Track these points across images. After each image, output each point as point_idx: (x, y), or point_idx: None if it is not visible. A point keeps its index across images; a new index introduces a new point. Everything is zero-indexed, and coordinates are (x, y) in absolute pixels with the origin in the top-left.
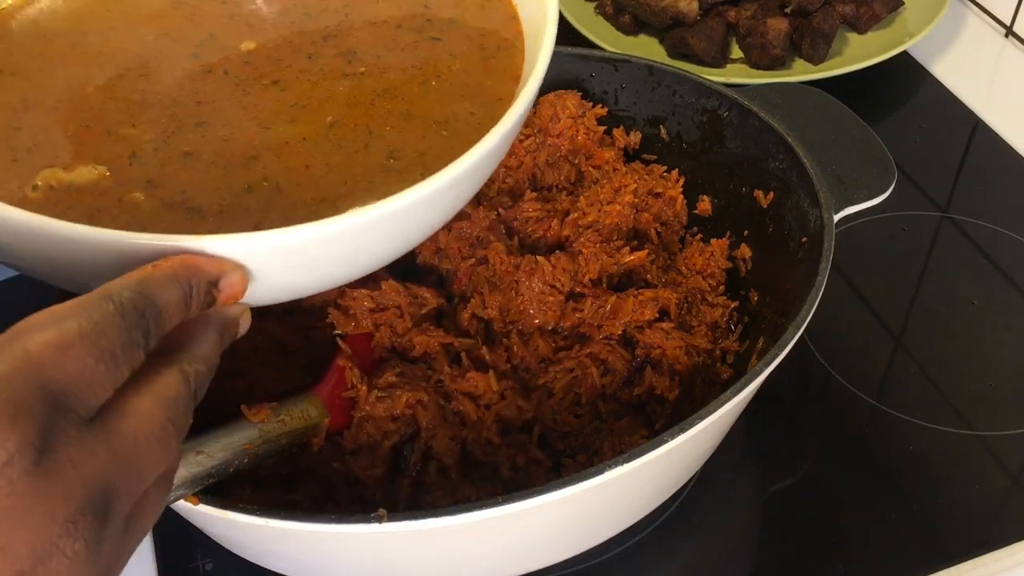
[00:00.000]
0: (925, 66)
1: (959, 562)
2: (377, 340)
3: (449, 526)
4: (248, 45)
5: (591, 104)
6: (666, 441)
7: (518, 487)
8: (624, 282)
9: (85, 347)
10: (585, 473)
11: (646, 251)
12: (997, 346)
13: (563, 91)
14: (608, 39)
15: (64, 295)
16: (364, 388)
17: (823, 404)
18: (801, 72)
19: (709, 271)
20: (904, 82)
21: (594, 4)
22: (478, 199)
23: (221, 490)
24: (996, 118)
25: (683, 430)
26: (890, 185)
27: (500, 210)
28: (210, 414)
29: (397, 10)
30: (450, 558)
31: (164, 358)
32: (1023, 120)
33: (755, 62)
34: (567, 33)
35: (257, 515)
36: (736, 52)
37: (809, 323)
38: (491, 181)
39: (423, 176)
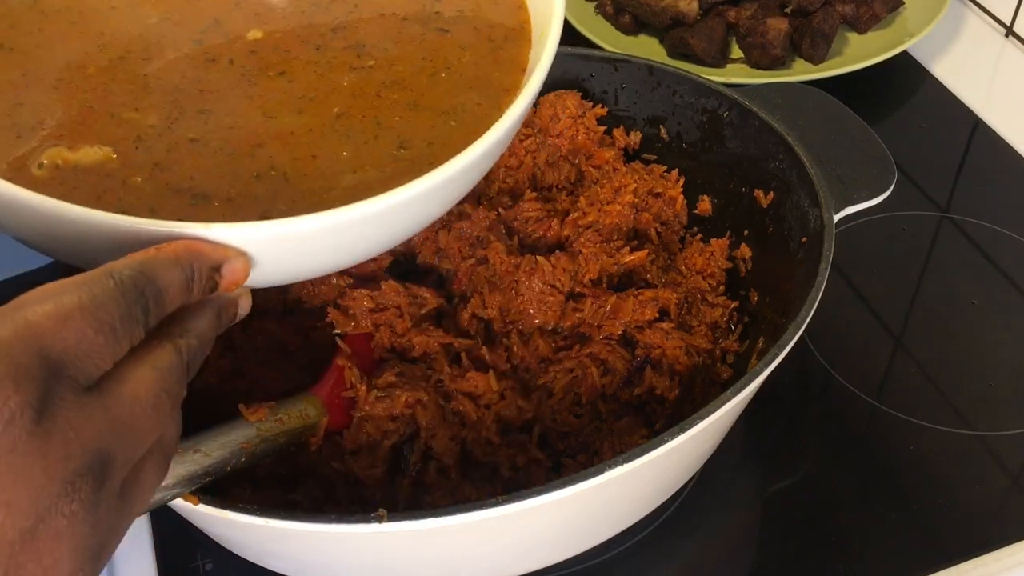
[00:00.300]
0: (925, 66)
1: (959, 562)
2: (377, 340)
3: (449, 526)
4: (255, 34)
5: (591, 104)
6: (666, 441)
7: (518, 487)
8: (624, 282)
9: (84, 319)
10: (585, 473)
11: (646, 251)
12: (997, 346)
13: (563, 91)
14: (608, 39)
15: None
16: (364, 388)
17: (823, 404)
18: (801, 72)
19: (709, 271)
20: (904, 82)
21: (594, 4)
22: (478, 199)
23: (221, 490)
24: (996, 118)
25: (683, 430)
26: (890, 185)
27: (500, 210)
28: (211, 414)
29: (406, 2)
30: (450, 558)
31: (160, 332)
32: (1023, 120)
33: (755, 62)
34: (567, 33)
35: (257, 515)
36: (736, 52)
37: (809, 323)
38: (491, 181)
39: (432, 166)
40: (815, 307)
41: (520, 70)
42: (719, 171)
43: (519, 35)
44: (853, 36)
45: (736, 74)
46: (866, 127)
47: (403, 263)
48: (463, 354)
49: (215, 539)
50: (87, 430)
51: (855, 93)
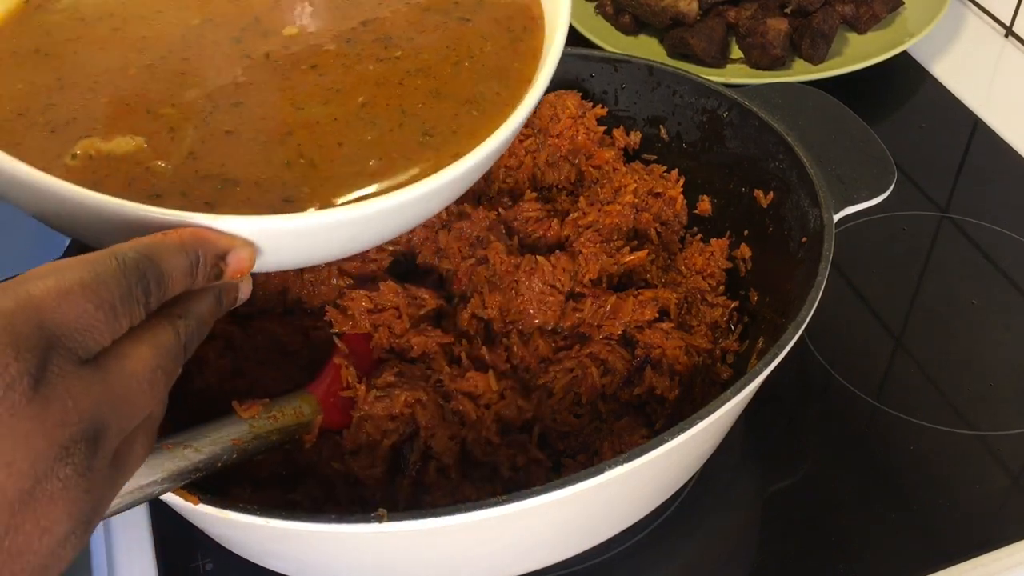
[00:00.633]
0: (925, 66)
1: (959, 562)
2: (376, 341)
3: (449, 526)
4: (291, 30)
5: (591, 104)
6: (666, 441)
7: (518, 487)
8: (624, 282)
9: (85, 295)
10: (585, 473)
11: (646, 251)
12: (997, 346)
13: (563, 91)
14: (608, 39)
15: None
16: (363, 388)
17: (823, 404)
18: (801, 72)
19: (709, 271)
20: (904, 82)
21: (594, 4)
22: (478, 199)
23: (221, 490)
24: (996, 118)
25: (683, 430)
26: (890, 185)
27: (500, 210)
28: (210, 414)
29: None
30: (450, 558)
31: (160, 311)
32: (1023, 120)
33: (755, 62)
34: (567, 33)
35: (257, 515)
36: (736, 52)
37: (809, 323)
38: (491, 181)
39: (458, 155)
40: (815, 307)
41: (536, 59)
42: (719, 171)
43: (536, 27)
44: (853, 36)
45: (736, 74)
46: (866, 127)
47: (403, 263)
48: (463, 354)
49: (215, 539)
50: (84, 399)
51: (855, 93)
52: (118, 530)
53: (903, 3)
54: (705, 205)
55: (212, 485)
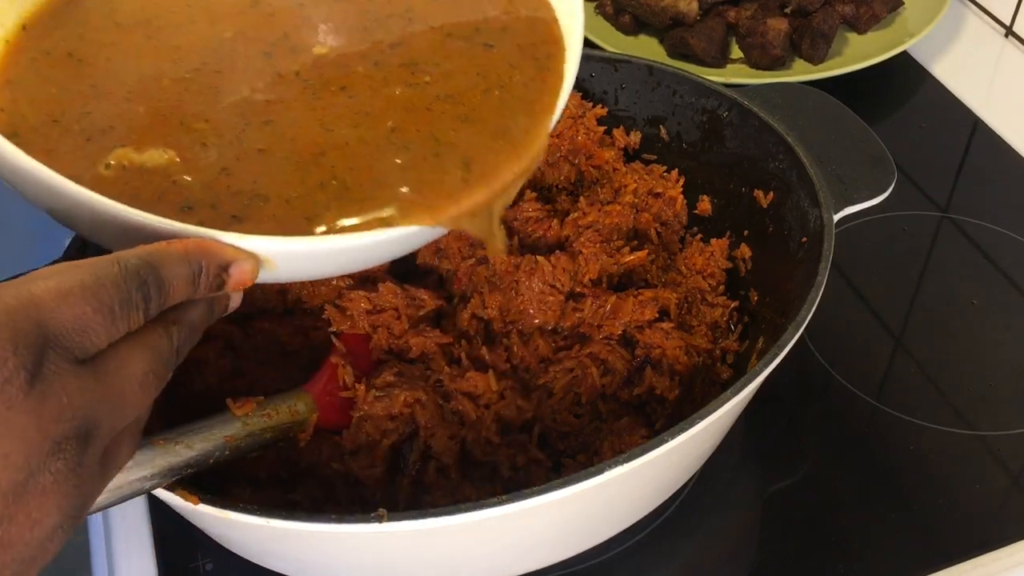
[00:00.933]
0: (925, 66)
1: (959, 562)
2: (375, 342)
3: (449, 526)
4: (320, 49)
5: (591, 104)
6: (666, 441)
7: (518, 487)
8: (624, 282)
9: (84, 297)
10: (585, 473)
11: (646, 251)
12: (997, 346)
13: None
14: (608, 39)
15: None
16: (362, 388)
17: (823, 404)
18: (801, 72)
19: (709, 271)
20: (904, 82)
21: (594, 4)
22: None
23: (221, 490)
24: (996, 118)
25: (683, 430)
26: (890, 185)
27: None
28: (210, 415)
29: (455, 15)
30: (450, 558)
31: (156, 317)
32: (1023, 120)
33: (755, 62)
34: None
35: (257, 515)
36: (736, 52)
37: (809, 323)
38: None
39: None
40: (815, 307)
41: (558, 88)
42: (719, 171)
43: (559, 51)
44: (853, 36)
45: (736, 74)
46: (866, 127)
47: (403, 263)
48: (463, 354)
49: (215, 539)
50: (78, 397)
51: (855, 93)
52: (118, 530)
53: (903, 3)
54: (705, 205)
55: (212, 485)
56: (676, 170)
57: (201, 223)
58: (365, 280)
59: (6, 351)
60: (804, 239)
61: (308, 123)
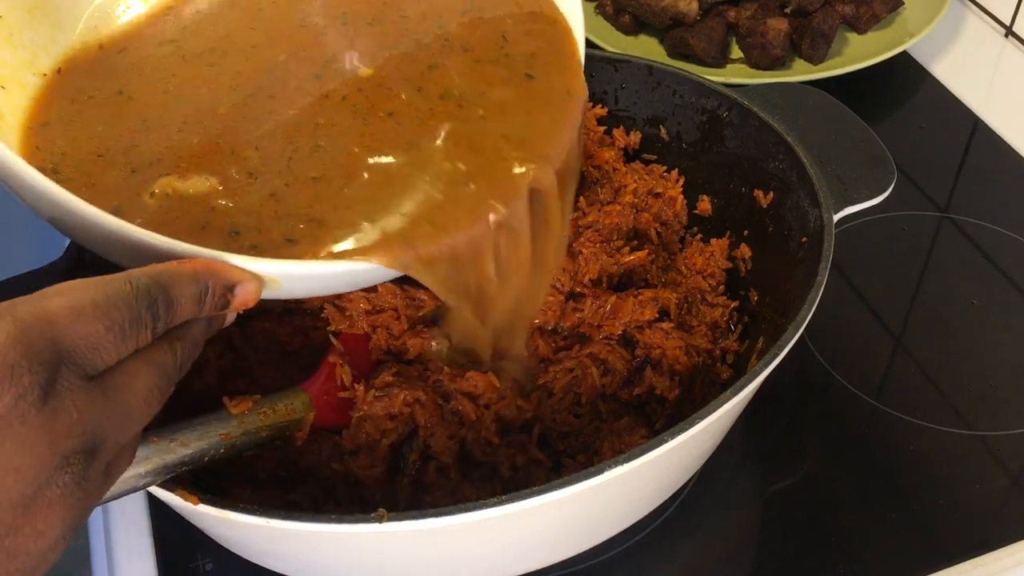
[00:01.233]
0: (925, 66)
1: (959, 562)
2: (374, 342)
3: (449, 526)
4: (365, 72)
5: (591, 104)
6: (666, 441)
7: (518, 487)
8: (624, 282)
9: (97, 315)
10: (585, 473)
11: (646, 251)
12: (997, 346)
13: None
14: (608, 39)
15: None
16: (361, 388)
17: (823, 404)
18: (801, 72)
19: (709, 271)
20: (904, 82)
21: (594, 4)
22: None
23: (221, 490)
24: (996, 118)
25: (683, 430)
26: (890, 185)
27: None
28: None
29: (481, 44)
30: (450, 558)
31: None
32: (1023, 120)
33: (755, 62)
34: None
35: (257, 515)
36: (736, 52)
37: (809, 323)
38: None
39: None
40: (815, 307)
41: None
42: (719, 171)
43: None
44: (853, 36)
45: (736, 74)
46: (866, 127)
47: None
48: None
49: (215, 539)
50: (88, 413)
51: (855, 93)
52: (118, 530)
53: (903, 3)
54: (705, 205)
55: (212, 485)
56: (676, 170)
57: (255, 246)
58: None
59: (21, 367)
60: (804, 239)
61: (359, 150)
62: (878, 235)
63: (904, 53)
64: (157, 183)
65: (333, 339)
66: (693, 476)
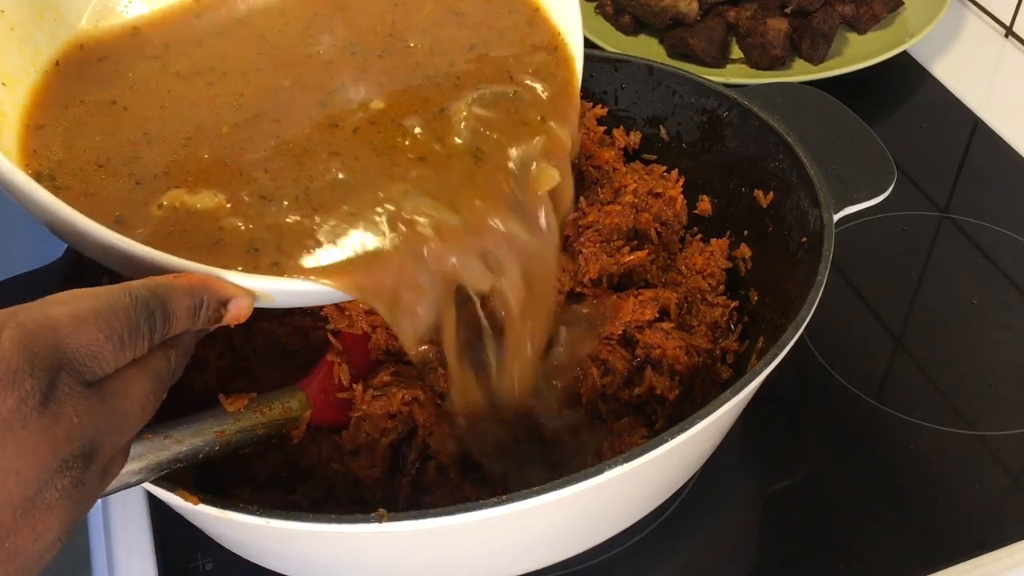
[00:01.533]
0: (925, 66)
1: (959, 562)
2: (374, 342)
3: (449, 526)
4: (378, 104)
5: (591, 104)
6: (666, 441)
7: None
8: (624, 282)
9: (98, 324)
10: (585, 473)
11: (646, 251)
12: (997, 346)
13: None
14: (608, 39)
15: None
16: (360, 388)
17: (823, 404)
18: (801, 72)
19: (709, 271)
20: (904, 82)
21: (594, 4)
22: None
23: (221, 490)
24: (996, 118)
25: (683, 430)
26: (890, 185)
27: None
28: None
29: (489, 75)
30: (450, 558)
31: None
32: (1023, 120)
33: (755, 62)
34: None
35: (257, 515)
36: (736, 52)
37: (809, 323)
38: None
39: None
40: (815, 307)
41: None
42: (719, 171)
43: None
44: (853, 36)
45: (736, 74)
46: (866, 127)
47: None
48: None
49: (215, 539)
50: (86, 419)
51: (855, 93)
52: (118, 530)
53: (903, 3)
54: (705, 205)
55: (212, 485)
56: (676, 170)
57: (275, 264)
58: None
59: (24, 372)
60: (804, 239)
61: (384, 181)
62: (878, 235)
63: (904, 53)
64: (166, 195)
65: (332, 338)
66: (693, 476)
